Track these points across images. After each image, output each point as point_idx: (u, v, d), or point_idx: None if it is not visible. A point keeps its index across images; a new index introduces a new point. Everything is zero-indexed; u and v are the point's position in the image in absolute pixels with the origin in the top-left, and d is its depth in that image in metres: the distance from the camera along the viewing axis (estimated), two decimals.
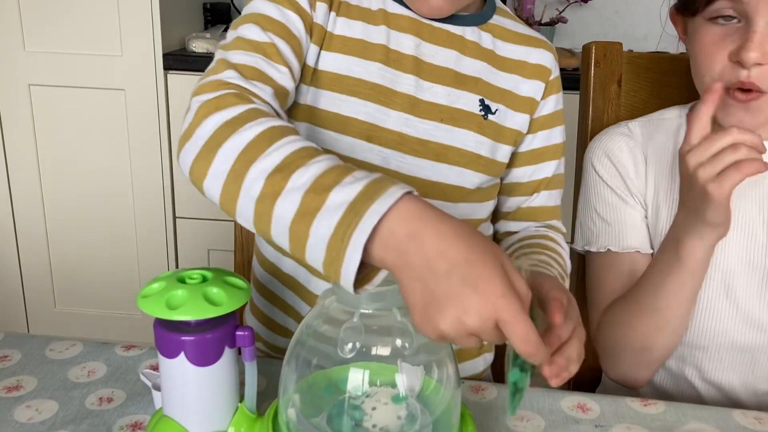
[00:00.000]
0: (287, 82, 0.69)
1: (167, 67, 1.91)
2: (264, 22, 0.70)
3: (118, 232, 2.06)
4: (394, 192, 0.49)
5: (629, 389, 0.93)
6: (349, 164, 0.54)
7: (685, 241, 0.79)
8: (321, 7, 0.74)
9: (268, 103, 0.65)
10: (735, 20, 0.77)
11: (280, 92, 0.67)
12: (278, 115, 0.64)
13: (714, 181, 0.71)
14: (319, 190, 0.51)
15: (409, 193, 0.50)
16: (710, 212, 0.74)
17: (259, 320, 0.92)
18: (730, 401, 0.91)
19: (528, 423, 0.71)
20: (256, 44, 0.68)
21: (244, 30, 0.70)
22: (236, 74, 0.64)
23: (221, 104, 0.60)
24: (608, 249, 0.91)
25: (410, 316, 0.50)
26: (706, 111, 0.74)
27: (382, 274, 0.52)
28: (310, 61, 0.76)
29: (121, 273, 2.10)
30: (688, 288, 0.82)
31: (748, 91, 0.77)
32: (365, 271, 0.51)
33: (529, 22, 2.16)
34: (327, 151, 0.57)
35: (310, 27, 0.74)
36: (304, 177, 0.52)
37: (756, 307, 0.87)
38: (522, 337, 0.48)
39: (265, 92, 0.65)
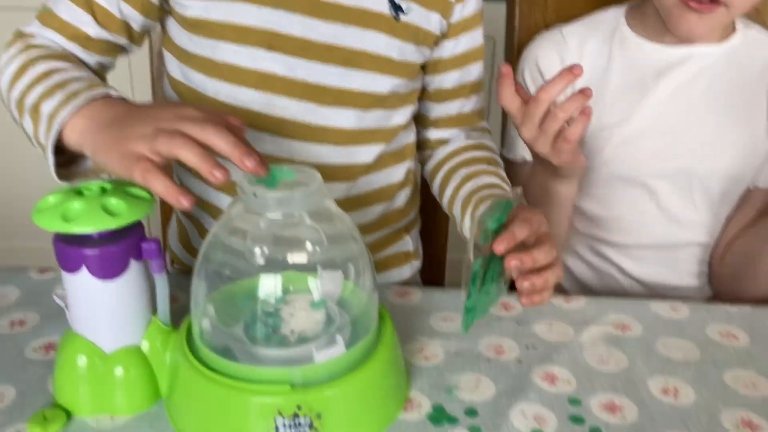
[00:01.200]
0: (89, 28, 0.74)
1: None
2: None
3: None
4: (83, 99, 0.61)
5: None
6: (73, 77, 0.66)
7: (550, 186, 0.81)
8: None
9: (56, 42, 0.74)
10: None
11: (75, 35, 0.74)
12: (69, 53, 0.75)
13: (552, 154, 0.72)
14: (37, 106, 0.64)
15: (100, 98, 0.62)
16: (562, 170, 0.76)
17: (180, 242, 0.90)
18: (656, 295, 0.93)
19: (450, 324, 0.72)
20: None
21: None
22: (37, 23, 0.75)
23: (12, 55, 0.72)
24: (524, 158, 0.90)
25: (110, 165, 0.57)
26: (504, 95, 0.70)
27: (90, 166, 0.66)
28: None
29: None
30: (564, 213, 0.85)
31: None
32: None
33: None
34: (77, 63, 0.72)
35: None
36: (31, 97, 0.66)
37: (679, 207, 0.88)
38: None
39: (55, 35, 0.74)
